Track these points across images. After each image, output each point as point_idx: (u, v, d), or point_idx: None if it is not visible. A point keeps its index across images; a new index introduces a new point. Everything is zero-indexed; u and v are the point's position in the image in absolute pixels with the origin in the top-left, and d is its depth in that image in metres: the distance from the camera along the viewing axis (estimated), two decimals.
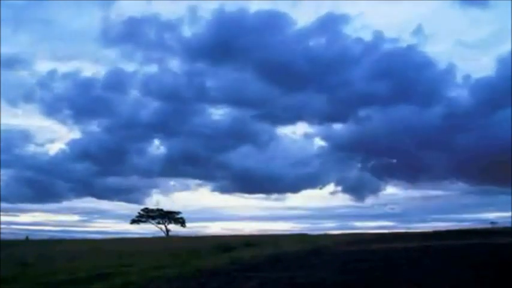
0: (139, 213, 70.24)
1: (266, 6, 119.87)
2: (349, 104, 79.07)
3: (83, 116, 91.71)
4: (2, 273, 12.05)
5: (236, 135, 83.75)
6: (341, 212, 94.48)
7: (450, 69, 78.39)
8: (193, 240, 38.43)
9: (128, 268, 12.15)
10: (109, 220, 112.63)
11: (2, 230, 56.06)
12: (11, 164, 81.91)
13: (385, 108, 78.75)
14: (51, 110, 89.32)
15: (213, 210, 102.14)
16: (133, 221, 69.61)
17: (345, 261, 12.51)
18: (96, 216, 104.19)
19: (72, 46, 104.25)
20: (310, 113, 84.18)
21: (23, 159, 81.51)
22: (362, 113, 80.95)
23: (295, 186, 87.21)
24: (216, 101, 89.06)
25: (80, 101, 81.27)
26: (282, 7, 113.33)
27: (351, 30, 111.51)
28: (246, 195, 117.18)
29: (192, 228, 72.04)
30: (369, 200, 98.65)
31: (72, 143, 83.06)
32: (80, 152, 79.84)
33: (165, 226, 69.96)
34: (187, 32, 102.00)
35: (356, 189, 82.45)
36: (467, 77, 78.57)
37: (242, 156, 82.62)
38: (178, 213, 70.43)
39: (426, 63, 74.56)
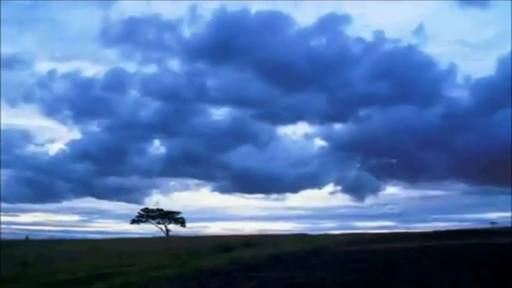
0: (139, 213, 70.39)
1: (267, 6, 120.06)
2: (349, 104, 79.15)
3: (82, 116, 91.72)
4: (2, 273, 12.05)
5: (236, 135, 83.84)
6: (341, 212, 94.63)
7: (451, 69, 78.55)
8: (193, 240, 38.43)
9: (127, 268, 12.15)
10: (109, 220, 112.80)
11: (2, 230, 56.21)
12: (11, 164, 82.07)
13: (385, 108, 78.87)
14: (51, 110, 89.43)
15: (213, 210, 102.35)
16: (133, 221, 69.70)
17: (345, 261, 12.51)
18: (96, 216, 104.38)
19: (72, 46, 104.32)
20: (311, 113, 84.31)
21: (23, 159, 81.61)
22: (362, 113, 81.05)
23: (295, 186, 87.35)
24: (216, 101, 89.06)
25: (80, 101, 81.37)
26: (283, 7, 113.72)
27: (352, 31, 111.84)
28: (246, 195, 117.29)
29: (192, 228, 72.21)
30: (369, 200, 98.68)
31: (72, 143, 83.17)
32: (80, 152, 79.94)
33: (165, 226, 70.10)
34: (187, 32, 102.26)
35: (356, 189, 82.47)
36: (467, 77, 78.84)
37: (242, 156, 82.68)
38: (178, 213, 70.59)
39: (427, 63, 74.74)
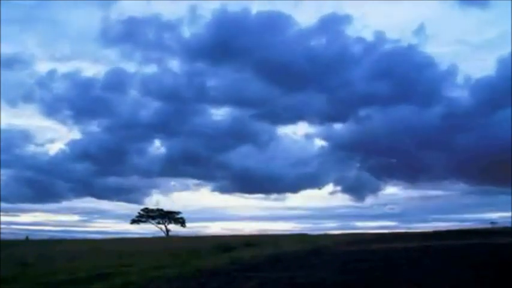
0: (139, 213, 70.42)
1: (268, 6, 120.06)
2: (349, 104, 79.21)
3: (82, 116, 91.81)
4: (2, 273, 12.05)
5: (236, 135, 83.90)
6: (341, 212, 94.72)
7: (451, 70, 78.72)
8: (193, 240, 38.42)
9: (127, 268, 12.15)
10: (109, 220, 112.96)
11: (2, 230, 56.27)
12: (11, 164, 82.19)
13: (385, 108, 78.91)
14: (51, 110, 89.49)
15: (213, 210, 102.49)
16: (133, 221, 69.75)
17: (345, 261, 12.51)
18: (96, 216, 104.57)
19: (72, 46, 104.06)
20: (311, 113, 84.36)
21: (23, 159, 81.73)
22: (362, 113, 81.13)
23: (295, 186, 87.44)
24: (216, 101, 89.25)
25: (80, 101, 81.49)
26: (284, 8, 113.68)
27: (352, 31, 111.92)
28: (246, 195, 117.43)
29: (192, 228, 72.28)
30: (369, 200, 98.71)
31: (72, 143, 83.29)
32: (79, 152, 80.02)
33: (165, 226, 70.13)
34: (187, 32, 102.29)
35: (356, 189, 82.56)
36: (467, 77, 78.96)
37: (242, 156, 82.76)
38: (178, 213, 70.64)
39: (427, 64, 74.77)
